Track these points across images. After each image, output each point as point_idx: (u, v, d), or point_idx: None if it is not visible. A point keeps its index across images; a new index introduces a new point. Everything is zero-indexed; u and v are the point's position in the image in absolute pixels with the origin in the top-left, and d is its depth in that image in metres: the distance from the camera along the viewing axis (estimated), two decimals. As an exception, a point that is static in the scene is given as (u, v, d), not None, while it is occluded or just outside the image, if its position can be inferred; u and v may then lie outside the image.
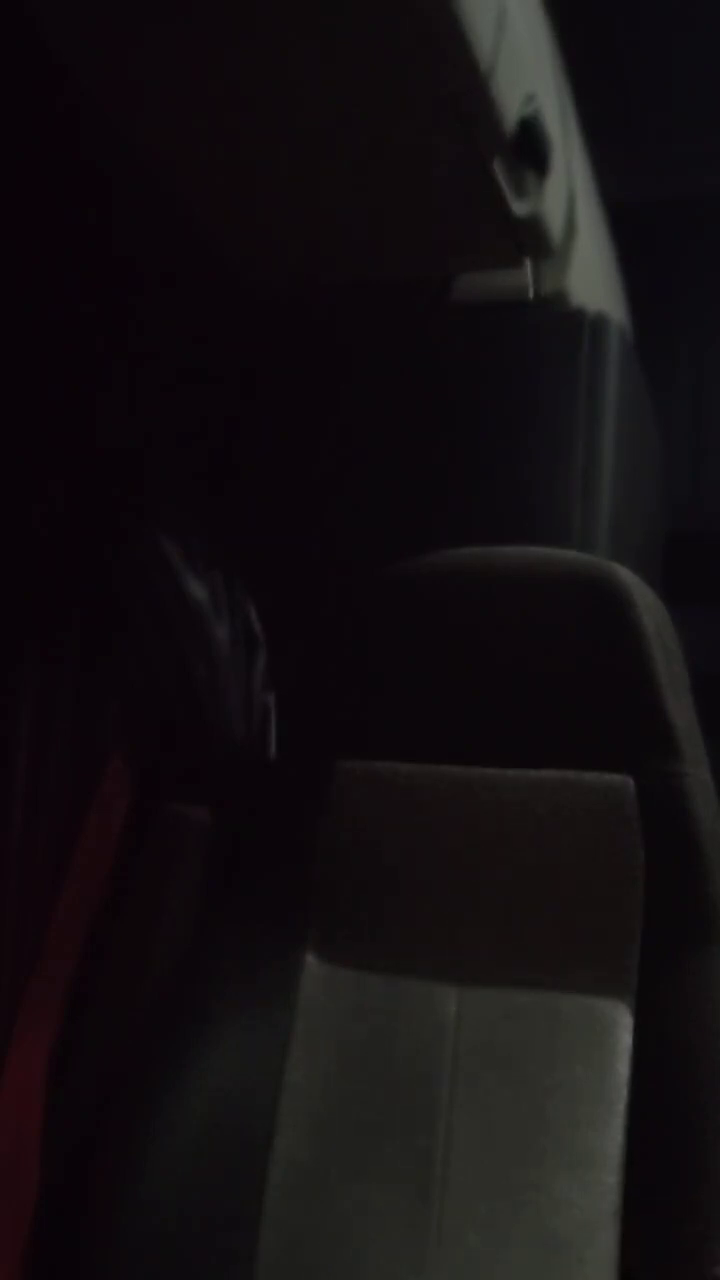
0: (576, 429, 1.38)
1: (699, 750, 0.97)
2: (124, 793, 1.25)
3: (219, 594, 1.29)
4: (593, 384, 1.40)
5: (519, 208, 1.29)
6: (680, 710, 0.96)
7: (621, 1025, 0.91)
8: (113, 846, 1.21)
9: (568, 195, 1.40)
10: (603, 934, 0.94)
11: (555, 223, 1.37)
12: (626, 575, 0.97)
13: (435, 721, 1.03)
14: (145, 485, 1.30)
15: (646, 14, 2.09)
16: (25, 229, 1.17)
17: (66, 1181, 1.03)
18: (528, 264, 1.42)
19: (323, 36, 1.05)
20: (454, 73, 1.09)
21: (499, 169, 1.23)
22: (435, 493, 1.37)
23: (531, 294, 1.43)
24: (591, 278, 1.52)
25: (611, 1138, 0.88)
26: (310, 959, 1.01)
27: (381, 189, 1.26)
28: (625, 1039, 0.91)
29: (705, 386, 2.20)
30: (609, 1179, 0.86)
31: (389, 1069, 0.97)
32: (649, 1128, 0.88)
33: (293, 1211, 0.98)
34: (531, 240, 1.36)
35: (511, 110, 1.19)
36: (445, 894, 0.99)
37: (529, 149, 1.25)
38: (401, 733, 1.04)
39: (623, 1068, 0.90)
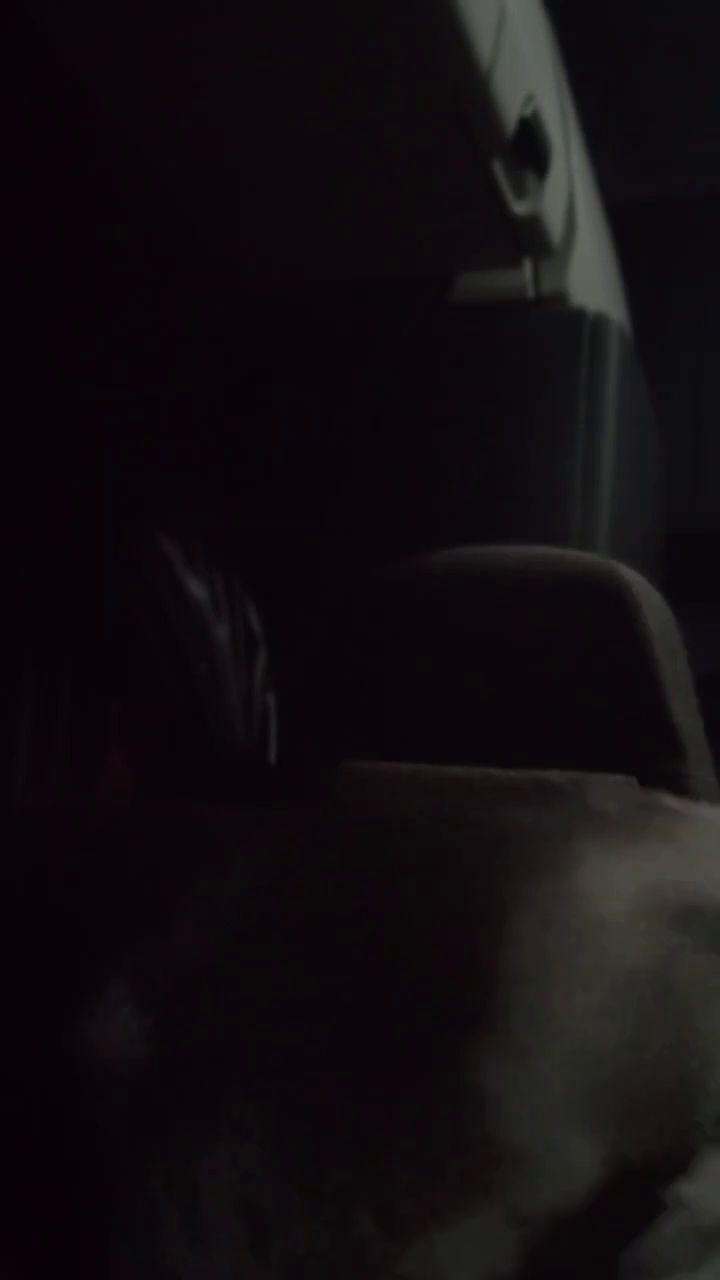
0: (576, 429, 1.38)
1: (703, 751, 0.96)
2: (124, 793, 1.24)
3: (219, 594, 1.29)
4: (593, 384, 1.40)
5: (519, 208, 1.29)
6: (684, 711, 0.96)
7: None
8: (113, 847, 1.21)
9: (568, 195, 1.41)
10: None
11: (555, 223, 1.37)
12: (629, 574, 0.97)
13: (436, 722, 1.02)
14: (146, 486, 1.30)
15: (646, 14, 2.10)
16: (25, 229, 1.17)
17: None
18: (527, 264, 1.42)
19: (323, 36, 1.05)
20: (454, 73, 1.09)
21: (499, 169, 1.23)
22: (435, 492, 1.37)
23: (531, 294, 1.43)
24: (591, 278, 1.52)
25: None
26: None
27: (381, 189, 1.26)
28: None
29: (705, 386, 2.20)
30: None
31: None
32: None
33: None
34: (531, 240, 1.36)
35: (511, 110, 1.19)
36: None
37: (529, 149, 1.25)
38: (402, 733, 1.03)
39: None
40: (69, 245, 1.21)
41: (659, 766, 0.91)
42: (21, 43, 1.04)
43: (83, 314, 1.25)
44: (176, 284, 1.33)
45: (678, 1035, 0.61)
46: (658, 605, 0.98)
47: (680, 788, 0.87)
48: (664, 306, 2.00)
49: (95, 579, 1.26)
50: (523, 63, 1.19)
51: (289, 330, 1.43)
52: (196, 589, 1.27)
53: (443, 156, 1.20)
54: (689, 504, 2.02)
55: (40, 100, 1.10)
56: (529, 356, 1.43)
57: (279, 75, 1.09)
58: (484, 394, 1.42)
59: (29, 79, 1.08)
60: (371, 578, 1.14)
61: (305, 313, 1.43)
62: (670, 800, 0.78)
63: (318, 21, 1.03)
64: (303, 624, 1.31)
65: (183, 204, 1.28)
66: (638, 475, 1.50)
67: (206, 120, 1.16)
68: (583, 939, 0.65)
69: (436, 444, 1.40)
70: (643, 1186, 0.59)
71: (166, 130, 1.17)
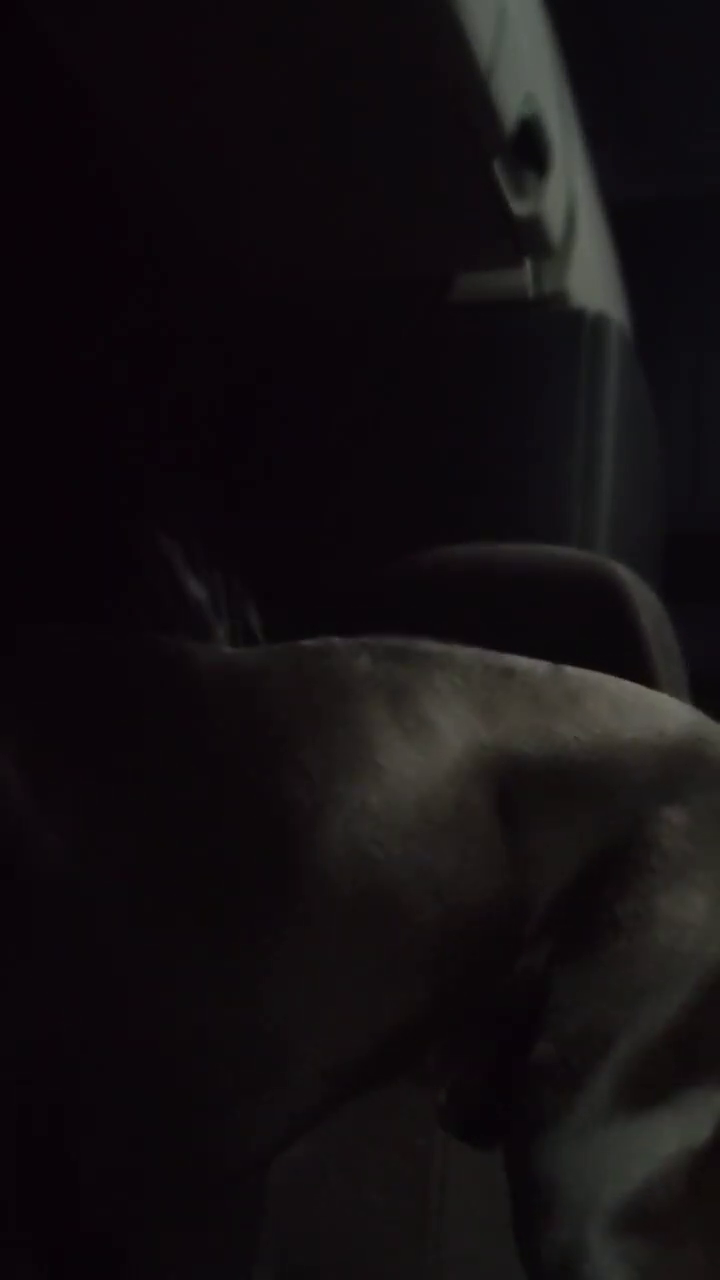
0: (576, 429, 1.38)
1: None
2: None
3: (219, 594, 1.29)
4: (593, 384, 1.40)
5: (519, 208, 1.29)
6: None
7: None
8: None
9: (568, 195, 1.41)
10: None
11: (555, 223, 1.37)
12: (625, 573, 0.98)
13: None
14: (146, 486, 1.30)
15: (646, 14, 2.10)
16: (25, 229, 1.17)
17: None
18: (528, 264, 1.42)
19: (323, 36, 1.05)
20: (454, 73, 1.09)
21: (499, 169, 1.24)
22: (435, 491, 1.37)
23: (531, 294, 1.43)
24: (591, 278, 1.52)
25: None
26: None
27: (381, 189, 1.26)
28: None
29: (705, 386, 2.20)
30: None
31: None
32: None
33: (293, 1211, 0.98)
34: (531, 240, 1.36)
35: (511, 110, 1.19)
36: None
37: (529, 149, 1.25)
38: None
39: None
40: (69, 245, 1.22)
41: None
42: (21, 43, 1.04)
43: (83, 314, 1.25)
44: (176, 284, 1.33)
45: None
46: (652, 602, 0.99)
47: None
48: (664, 306, 1.99)
49: (95, 579, 1.26)
50: (523, 63, 1.19)
51: (289, 330, 1.43)
52: (196, 589, 1.27)
53: (443, 156, 1.20)
54: (689, 504, 2.02)
55: (40, 100, 1.10)
56: (529, 356, 1.43)
57: (279, 75, 1.09)
58: (484, 394, 1.42)
59: (29, 79, 1.08)
60: (371, 577, 1.14)
61: (305, 313, 1.43)
62: None
63: (317, 21, 1.03)
64: (303, 624, 1.31)
65: (183, 204, 1.28)
66: (637, 475, 1.50)
67: (206, 120, 1.16)
68: None
69: (436, 444, 1.40)
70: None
71: (166, 130, 1.17)
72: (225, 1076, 0.64)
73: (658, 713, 0.75)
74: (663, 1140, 0.66)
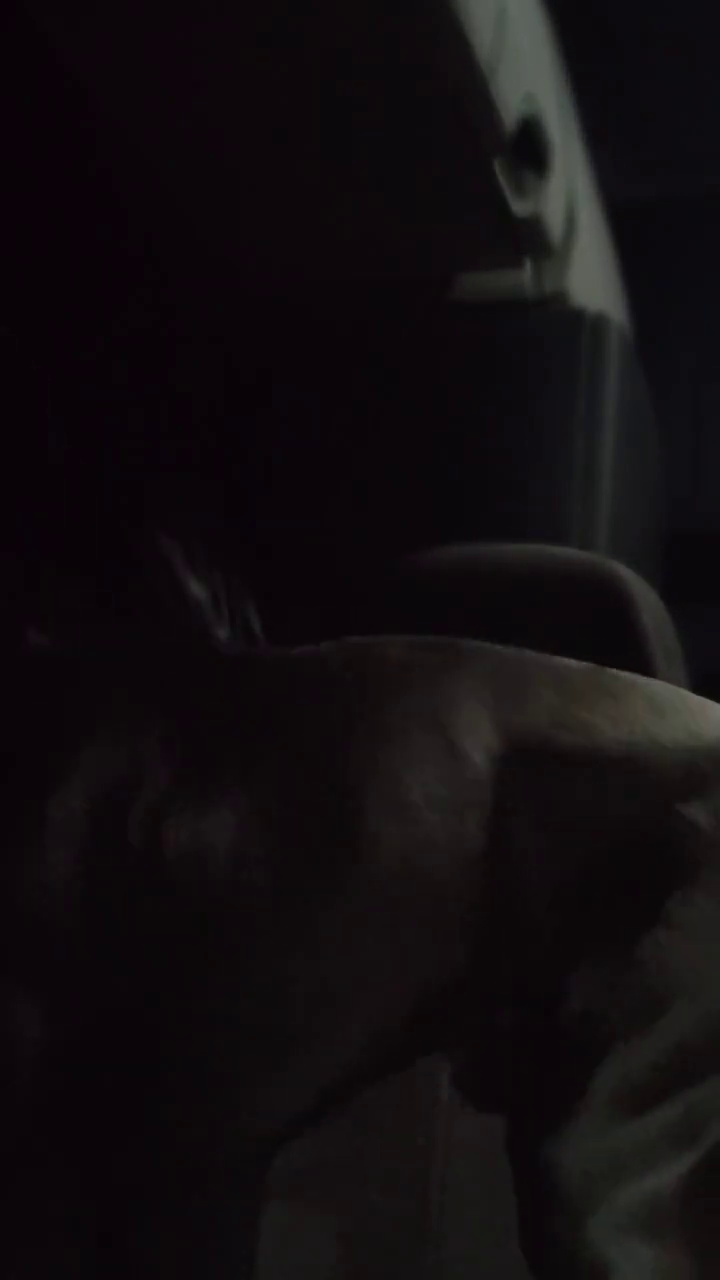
0: (576, 429, 1.38)
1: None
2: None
3: (219, 594, 1.29)
4: (593, 384, 1.40)
5: (519, 208, 1.29)
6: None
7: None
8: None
9: (568, 195, 1.41)
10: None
11: (555, 223, 1.37)
12: (626, 573, 0.98)
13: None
14: (146, 486, 1.30)
15: (646, 14, 2.10)
16: (26, 228, 1.17)
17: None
18: (528, 264, 1.42)
19: (323, 37, 1.05)
20: (454, 73, 1.09)
21: (499, 169, 1.24)
22: (435, 491, 1.37)
23: (531, 294, 1.43)
24: (591, 278, 1.52)
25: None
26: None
27: (381, 189, 1.26)
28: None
29: (705, 386, 2.20)
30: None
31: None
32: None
33: (293, 1211, 0.98)
34: (531, 240, 1.36)
35: (511, 110, 1.19)
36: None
37: (529, 149, 1.25)
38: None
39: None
40: (69, 245, 1.22)
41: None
42: (21, 43, 1.04)
43: (83, 314, 1.25)
44: (176, 284, 1.34)
45: None
46: (654, 603, 0.99)
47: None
48: (664, 306, 2.00)
49: (95, 579, 1.26)
50: (523, 63, 1.19)
51: (289, 330, 1.43)
52: (196, 589, 1.27)
53: (443, 156, 1.20)
54: (689, 504, 2.02)
55: (40, 100, 1.11)
56: (529, 356, 1.43)
57: (279, 75, 1.09)
58: (484, 394, 1.42)
59: (29, 79, 1.08)
60: (372, 575, 1.14)
61: (305, 313, 1.43)
62: None
63: (317, 21, 1.03)
64: (303, 624, 1.31)
65: (183, 204, 1.28)
66: (637, 475, 1.50)
67: (206, 120, 1.16)
68: None
69: (436, 444, 1.40)
70: None
71: (166, 130, 1.17)
72: (289, 1022, 0.71)
73: (696, 715, 0.77)
74: (664, 1139, 0.67)
